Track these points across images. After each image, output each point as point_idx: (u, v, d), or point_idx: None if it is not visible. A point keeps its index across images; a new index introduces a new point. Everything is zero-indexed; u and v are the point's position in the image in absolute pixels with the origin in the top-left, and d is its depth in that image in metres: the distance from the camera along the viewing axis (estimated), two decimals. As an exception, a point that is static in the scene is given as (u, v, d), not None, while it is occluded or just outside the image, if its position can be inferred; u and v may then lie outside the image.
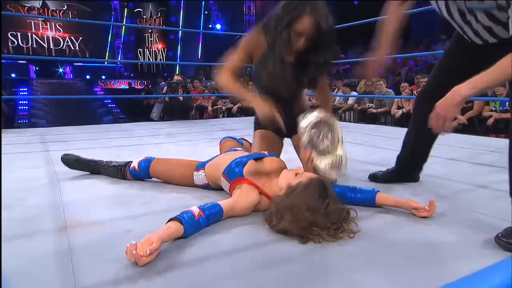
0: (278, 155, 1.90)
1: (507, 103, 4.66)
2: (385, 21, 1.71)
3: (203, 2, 20.14)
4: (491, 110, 5.27)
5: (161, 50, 20.66)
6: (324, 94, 1.98)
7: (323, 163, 1.59)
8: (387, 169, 2.06)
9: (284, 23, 1.59)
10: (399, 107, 6.26)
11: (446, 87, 1.27)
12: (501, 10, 1.31)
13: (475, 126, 5.22)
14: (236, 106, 7.24)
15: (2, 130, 3.63)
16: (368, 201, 1.58)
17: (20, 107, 12.01)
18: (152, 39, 20.81)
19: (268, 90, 1.85)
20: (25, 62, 17.27)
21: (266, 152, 1.77)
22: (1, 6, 14.67)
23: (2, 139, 3.22)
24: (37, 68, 17.89)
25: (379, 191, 1.60)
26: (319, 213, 1.28)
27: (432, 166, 2.05)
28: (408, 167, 2.02)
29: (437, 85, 1.73)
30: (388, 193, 1.67)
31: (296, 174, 1.49)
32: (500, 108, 5.14)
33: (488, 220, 1.46)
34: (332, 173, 1.60)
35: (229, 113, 7.31)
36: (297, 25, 1.57)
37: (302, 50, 1.67)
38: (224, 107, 7.65)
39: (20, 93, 13.72)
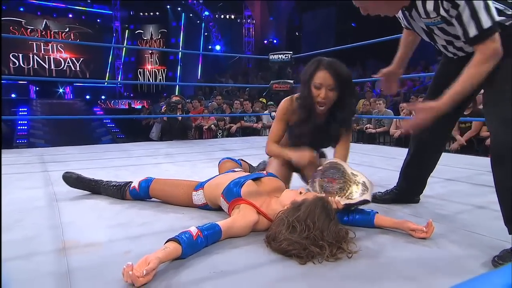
0: (287, 184, 1.95)
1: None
2: (400, 45, 1.90)
3: (203, 24, 20.47)
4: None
5: (161, 71, 20.86)
6: (343, 150, 1.98)
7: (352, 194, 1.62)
8: (386, 190, 2.07)
9: (305, 79, 1.82)
10: (397, 127, 6.29)
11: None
12: (450, 25, 1.36)
13: (473, 146, 5.24)
14: (236, 126, 7.26)
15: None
16: (366, 222, 1.59)
17: (19, 127, 11.97)
18: (152, 60, 21.04)
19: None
20: (25, 82, 17.40)
21: (265, 172, 1.78)
22: (1, 12, 14.85)
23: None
24: (37, 88, 17.96)
25: (377, 212, 1.61)
26: (326, 232, 1.29)
27: (431, 187, 2.06)
28: (408, 190, 2.02)
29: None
30: (387, 214, 1.67)
31: (300, 193, 1.51)
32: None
33: (486, 241, 1.47)
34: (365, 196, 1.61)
35: (228, 133, 7.33)
36: (315, 78, 1.78)
37: (326, 111, 1.86)
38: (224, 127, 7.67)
39: (20, 113, 13.73)
